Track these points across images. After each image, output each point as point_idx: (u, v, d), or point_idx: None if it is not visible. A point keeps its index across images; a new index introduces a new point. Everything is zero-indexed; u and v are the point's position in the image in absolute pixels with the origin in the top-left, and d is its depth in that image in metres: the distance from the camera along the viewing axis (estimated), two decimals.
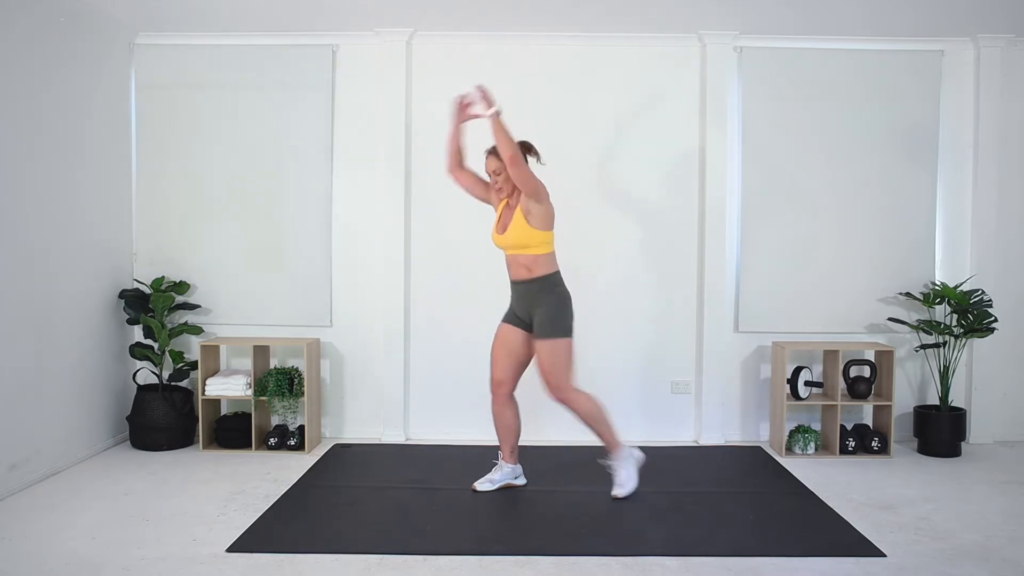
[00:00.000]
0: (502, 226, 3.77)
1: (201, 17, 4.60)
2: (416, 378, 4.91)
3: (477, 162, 3.90)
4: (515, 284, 3.80)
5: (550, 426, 4.76)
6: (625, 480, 3.82)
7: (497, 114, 3.56)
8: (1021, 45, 4.84)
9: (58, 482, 3.99)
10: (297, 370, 4.73)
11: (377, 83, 4.84)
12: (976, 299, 4.61)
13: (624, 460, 3.85)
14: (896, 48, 4.84)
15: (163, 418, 4.56)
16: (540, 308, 3.71)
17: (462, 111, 3.78)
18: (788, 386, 4.67)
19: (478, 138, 3.88)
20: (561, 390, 3.72)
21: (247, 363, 4.81)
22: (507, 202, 3.81)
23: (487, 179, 3.87)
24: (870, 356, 4.79)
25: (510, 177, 3.69)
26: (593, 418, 3.78)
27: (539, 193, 3.64)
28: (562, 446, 4.68)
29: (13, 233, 3.85)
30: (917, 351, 4.84)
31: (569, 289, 3.81)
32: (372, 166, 4.87)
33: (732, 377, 4.91)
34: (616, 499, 3.77)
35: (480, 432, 4.58)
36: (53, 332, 4.15)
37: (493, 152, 3.73)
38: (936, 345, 4.67)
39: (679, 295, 4.90)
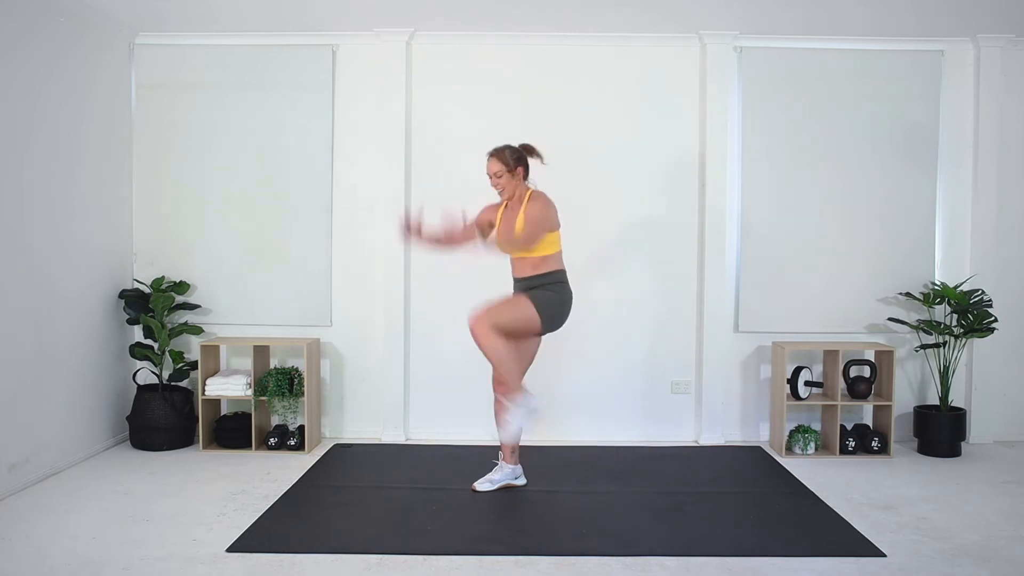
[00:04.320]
0: (506, 231, 3.76)
1: (201, 17, 4.60)
2: (416, 378, 4.91)
3: (479, 163, 3.89)
4: (519, 281, 3.79)
5: (550, 426, 4.76)
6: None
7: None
8: (1021, 45, 4.84)
9: (58, 482, 3.99)
10: (297, 370, 4.73)
11: (377, 83, 4.84)
12: (976, 299, 4.61)
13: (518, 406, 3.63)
14: (896, 48, 4.84)
15: (163, 418, 4.56)
16: (542, 291, 3.68)
17: (413, 232, 3.72)
18: (788, 386, 4.66)
19: (481, 140, 3.87)
20: (480, 324, 3.54)
21: (247, 363, 4.81)
22: (507, 204, 3.81)
23: (489, 198, 3.88)
24: (870, 356, 4.79)
25: (511, 180, 3.71)
26: (498, 361, 3.58)
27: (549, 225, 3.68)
28: (562, 446, 4.68)
29: (13, 234, 3.86)
30: (917, 351, 4.84)
31: (571, 288, 3.82)
32: (372, 166, 4.87)
33: (732, 377, 4.91)
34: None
35: (480, 432, 4.58)
36: (53, 332, 4.15)
37: (495, 155, 3.73)
38: (936, 345, 4.67)
39: (679, 295, 4.90)
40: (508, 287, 3.86)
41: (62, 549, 3.14)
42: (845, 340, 4.84)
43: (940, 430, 4.58)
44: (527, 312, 3.63)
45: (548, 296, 3.69)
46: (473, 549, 3.16)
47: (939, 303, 4.70)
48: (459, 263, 4.85)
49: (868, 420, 4.87)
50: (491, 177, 3.76)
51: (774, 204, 4.87)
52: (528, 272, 3.73)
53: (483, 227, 3.88)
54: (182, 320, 4.86)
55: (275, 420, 4.88)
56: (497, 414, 3.87)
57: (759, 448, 4.73)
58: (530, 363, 3.88)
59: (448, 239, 3.81)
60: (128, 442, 4.73)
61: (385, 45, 4.80)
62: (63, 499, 3.74)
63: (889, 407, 4.61)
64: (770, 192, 4.87)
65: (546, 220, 3.66)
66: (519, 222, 3.67)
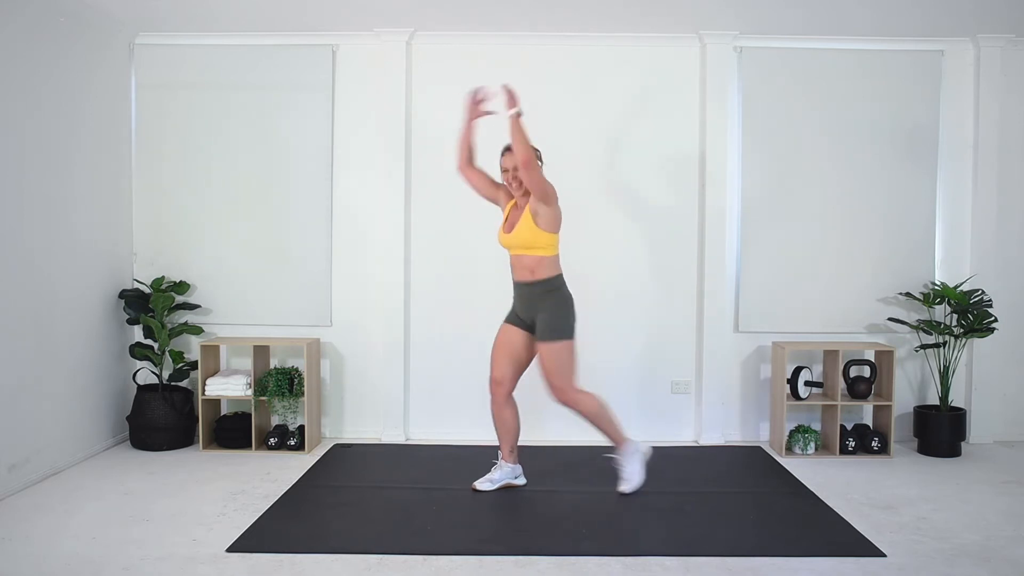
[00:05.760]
0: (509, 225, 3.76)
1: (201, 17, 4.60)
2: (416, 378, 4.91)
3: (487, 161, 3.90)
4: (518, 285, 3.80)
5: (550, 426, 4.76)
6: (631, 475, 3.84)
7: (518, 115, 3.55)
8: (1021, 45, 4.84)
9: (58, 482, 3.99)
10: (297, 370, 4.73)
11: (377, 83, 4.84)
12: (976, 299, 4.61)
13: (630, 455, 3.87)
14: (896, 48, 4.84)
15: (163, 418, 4.56)
16: (542, 312, 3.72)
17: (475, 107, 3.77)
18: (788, 386, 4.66)
19: (492, 139, 3.87)
20: (564, 392, 3.73)
21: (247, 363, 4.81)
22: (516, 202, 3.81)
23: (497, 178, 3.87)
24: (870, 356, 4.79)
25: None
26: (597, 416, 3.80)
27: (549, 196, 3.65)
28: (562, 446, 4.68)
29: (13, 234, 3.85)
30: (917, 351, 4.84)
31: (571, 289, 3.82)
32: (372, 166, 4.87)
33: (732, 377, 4.91)
34: (622, 495, 3.79)
35: (480, 432, 4.58)
36: (53, 332, 4.14)
37: (510, 150, 3.73)
38: (936, 345, 4.67)
39: (679, 295, 4.90)
40: (508, 286, 3.86)
41: (62, 549, 3.14)
42: (845, 340, 4.83)
43: (940, 430, 4.58)
44: (566, 347, 3.72)
45: (561, 313, 3.73)
46: (473, 549, 3.16)
47: (939, 303, 4.70)
48: (460, 263, 4.87)
49: (868, 420, 4.87)
50: (506, 172, 3.76)
51: (774, 204, 4.87)
52: (527, 277, 3.74)
53: (482, 184, 3.89)
54: (182, 320, 4.85)
55: (275, 420, 4.88)
56: (493, 415, 3.89)
57: (759, 448, 4.73)
58: (528, 363, 3.88)
59: (469, 154, 3.87)
60: (128, 442, 4.73)
61: (385, 45, 4.80)
62: (63, 499, 3.74)
63: (889, 407, 4.61)
64: (770, 192, 4.87)
65: (553, 197, 3.66)
66: (525, 222, 3.67)
